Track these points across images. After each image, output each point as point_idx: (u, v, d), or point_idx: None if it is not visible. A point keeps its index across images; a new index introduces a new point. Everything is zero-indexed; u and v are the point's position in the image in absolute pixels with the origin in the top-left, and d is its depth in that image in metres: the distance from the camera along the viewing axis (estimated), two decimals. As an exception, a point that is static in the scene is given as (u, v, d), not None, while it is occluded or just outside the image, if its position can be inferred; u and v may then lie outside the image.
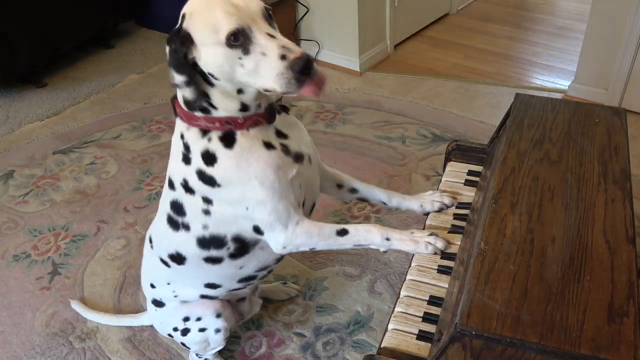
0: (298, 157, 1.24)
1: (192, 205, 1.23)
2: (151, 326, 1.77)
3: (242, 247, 1.29)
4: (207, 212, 1.22)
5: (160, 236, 1.36)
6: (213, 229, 1.25)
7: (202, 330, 1.47)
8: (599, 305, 0.97)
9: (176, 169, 1.23)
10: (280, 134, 1.23)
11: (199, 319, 1.46)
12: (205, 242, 1.27)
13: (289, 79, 1.01)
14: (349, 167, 2.43)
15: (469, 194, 1.53)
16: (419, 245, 1.29)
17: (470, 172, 1.62)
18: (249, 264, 1.35)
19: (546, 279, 1.02)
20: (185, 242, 1.29)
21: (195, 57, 1.07)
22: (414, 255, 1.35)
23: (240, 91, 1.12)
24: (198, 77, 1.09)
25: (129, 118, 2.93)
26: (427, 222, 1.45)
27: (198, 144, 1.16)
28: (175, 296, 1.45)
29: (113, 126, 2.87)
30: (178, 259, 1.33)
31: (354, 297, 1.87)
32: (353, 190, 1.49)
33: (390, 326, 1.21)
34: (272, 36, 1.03)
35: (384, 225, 1.31)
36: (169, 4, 3.82)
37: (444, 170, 1.68)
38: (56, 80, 3.33)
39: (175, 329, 1.49)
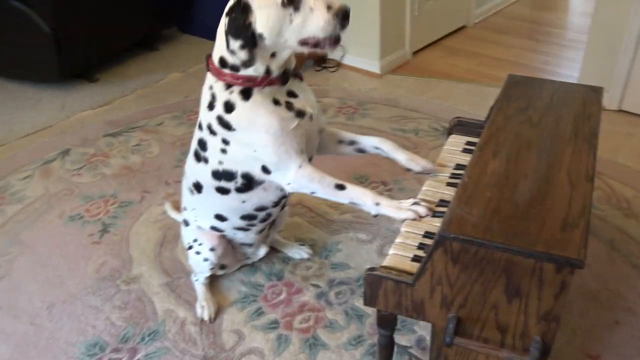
0: (300, 113, 1.52)
1: (213, 143, 1.54)
2: (187, 274, 2.04)
3: (248, 183, 1.59)
4: (223, 151, 1.54)
5: (189, 168, 1.70)
6: (227, 165, 1.56)
7: (197, 253, 1.84)
8: (555, 220, 1.20)
9: (204, 115, 1.54)
10: (290, 94, 1.52)
11: (200, 244, 1.83)
12: (218, 175, 1.59)
13: (334, 24, 1.31)
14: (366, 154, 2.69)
15: (465, 158, 1.77)
16: (402, 212, 1.50)
17: (468, 143, 1.87)
18: (251, 200, 1.64)
19: (515, 202, 1.26)
20: (203, 173, 1.62)
21: (252, 21, 1.33)
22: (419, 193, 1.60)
23: (273, 55, 1.42)
24: (252, 40, 1.35)
25: (170, 109, 3.27)
26: (427, 182, 1.70)
27: (222, 95, 1.46)
28: (195, 221, 1.82)
29: (156, 115, 3.20)
30: (197, 187, 1.68)
31: (364, 258, 2.11)
32: (352, 142, 1.72)
33: (390, 251, 1.45)
34: None
35: (394, 200, 1.52)
36: (210, 13, 4.19)
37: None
38: (106, 76, 3.71)
39: (188, 244, 1.88)
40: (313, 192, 1.53)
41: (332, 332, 1.83)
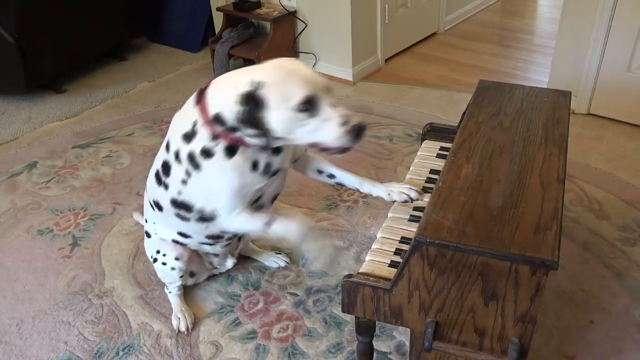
0: (274, 173, 1.53)
1: (176, 171, 1.52)
2: (161, 286, 2.00)
3: (204, 217, 1.59)
4: (184, 182, 1.52)
5: (150, 186, 1.68)
6: (185, 196, 1.55)
7: (164, 264, 1.82)
8: (528, 223, 1.21)
9: (176, 139, 1.49)
10: (276, 150, 1.49)
11: (164, 255, 1.81)
12: (176, 204, 1.59)
13: (346, 140, 1.32)
14: (340, 161, 2.68)
15: (439, 164, 1.79)
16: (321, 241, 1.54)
17: (441, 148, 1.88)
18: (213, 227, 1.64)
19: (489, 207, 1.27)
20: (163, 197, 1.62)
21: (264, 117, 1.31)
22: (392, 205, 1.60)
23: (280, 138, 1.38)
24: (264, 131, 1.33)
25: (141, 119, 3.21)
26: (407, 177, 1.70)
27: (204, 140, 1.42)
28: (156, 233, 1.80)
29: (126, 125, 3.15)
30: (158, 206, 1.67)
31: (342, 265, 2.11)
32: (331, 176, 1.74)
33: (367, 257, 1.45)
34: (334, 105, 1.31)
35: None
36: (177, 22, 4.16)
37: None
38: (75, 87, 3.63)
39: (151, 256, 1.86)
40: (247, 232, 1.62)
41: (311, 340, 1.82)
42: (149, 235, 1.85)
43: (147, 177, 2.62)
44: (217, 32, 3.86)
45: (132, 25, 4.08)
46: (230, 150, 1.42)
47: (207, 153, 1.43)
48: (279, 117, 1.30)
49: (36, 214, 2.45)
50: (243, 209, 1.52)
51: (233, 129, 1.38)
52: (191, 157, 1.46)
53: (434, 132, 1.96)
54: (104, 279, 2.09)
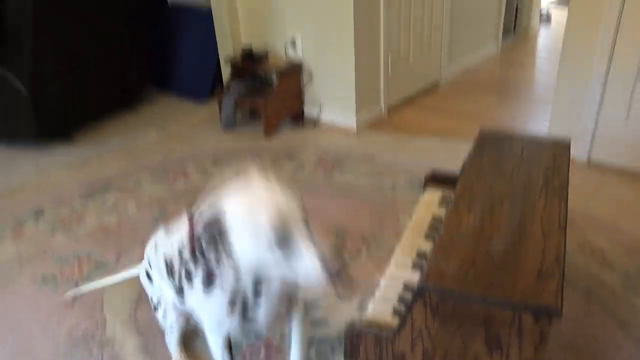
0: (250, 320, 1.40)
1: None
2: (162, 335, 1.99)
3: None
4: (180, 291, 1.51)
5: (155, 260, 1.68)
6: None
7: (164, 317, 1.82)
8: (530, 271, 1.22)
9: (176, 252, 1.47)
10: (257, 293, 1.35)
11: (165, 309, 1.80)
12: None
13: (322, 280, 1.13)
14: (344, 209, 2.72)
15: (441, 212, 1.80)
16: None
17: (443, 197, 1.90)
18: None
19: (490, 255, 1.28)
20: (166, 292, 1.66)
21: (229, 247, 1.19)
22: (394, 253, 1.61)
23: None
24: (223, 258, 1.23)
25: (148, 168, 3.26)
26: (405, 234, 1.71)
27: (188, 262, 1.39)
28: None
29: (134, 175, 3.19)
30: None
31: (344, 314, 2.09)
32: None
33: (370, 306, 1.45)
34: (309, 241, 1.14)
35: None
36: (186, 73, 4.28)
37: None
38: (83, 135, 3.71)
39: (153, 305, 1.86)
40: None
41: (313, 392, 1.78)
42: (150, 279, 1.83)
43: (152, 225, 2.68)
44: (224, 83, 3.97)
45: (141, 75, 4.20)
46: (209, 280, 1.33)
47: (188, 275, 1.41)
48: (245, 250, 1.17)
49: (41, 262, 2.46)
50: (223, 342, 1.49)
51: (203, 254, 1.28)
52: (188, 274, 1.42)
53: (435, 180, 1.99)
54: (105, 327, 2.08)
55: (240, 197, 1.18)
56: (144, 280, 1.86)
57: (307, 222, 1.19)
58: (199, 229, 1.22)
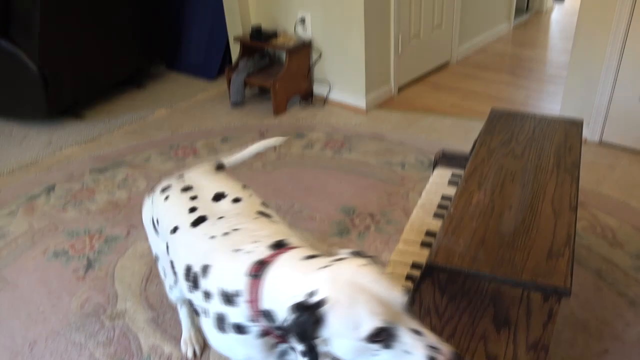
0: None
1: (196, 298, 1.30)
2: (173, 309, 2.01)
3: None
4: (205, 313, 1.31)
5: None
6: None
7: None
8: (540, 250, 1.22)
9: (212, 284, 1.24)
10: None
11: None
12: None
13: None
14: (353, 187, 2.72)
15: (451, 190, 1.80)
16: None
17: (453, 175, 1.90)
18: None
19: (500, 233, 1.28)
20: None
21: (323, 338, 1.01)
22: (404, 230, 1.61)
23: None
24: (317, 350, 1.04)
25: (157, 144, 3.27)
26: (414, 211, 1.71)
27: (241, 318, 1.17)
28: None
29: (143, 151, 3.21)
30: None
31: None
32: None
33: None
34: (417, 332, 0.98)
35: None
36: (195, 51, 4.26)
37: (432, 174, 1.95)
38: (93, 113, 3.72)
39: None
40: None
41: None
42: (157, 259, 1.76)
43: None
44: (233, 61, 3.95)
45: (150, 53, 4.19)
46: (265, 333, 1.17)
47: (239, 329, 1.18)
48: (341, 345, 1.00)
49: (53, 236, 2.49)
50: None
51: (279, 329, 1.10)
52: (220, 319, 1.20)
53: (446, 159, 1.98)
54: (116, 301, 2.11)
55: (340, 285, 1.01)
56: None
57: (412, 310, 1.04)
58: (288, 307, 1.03)
